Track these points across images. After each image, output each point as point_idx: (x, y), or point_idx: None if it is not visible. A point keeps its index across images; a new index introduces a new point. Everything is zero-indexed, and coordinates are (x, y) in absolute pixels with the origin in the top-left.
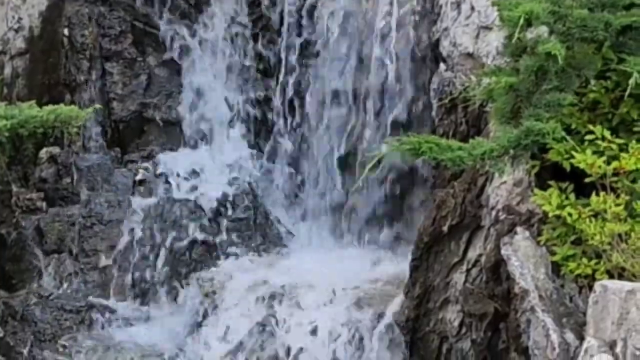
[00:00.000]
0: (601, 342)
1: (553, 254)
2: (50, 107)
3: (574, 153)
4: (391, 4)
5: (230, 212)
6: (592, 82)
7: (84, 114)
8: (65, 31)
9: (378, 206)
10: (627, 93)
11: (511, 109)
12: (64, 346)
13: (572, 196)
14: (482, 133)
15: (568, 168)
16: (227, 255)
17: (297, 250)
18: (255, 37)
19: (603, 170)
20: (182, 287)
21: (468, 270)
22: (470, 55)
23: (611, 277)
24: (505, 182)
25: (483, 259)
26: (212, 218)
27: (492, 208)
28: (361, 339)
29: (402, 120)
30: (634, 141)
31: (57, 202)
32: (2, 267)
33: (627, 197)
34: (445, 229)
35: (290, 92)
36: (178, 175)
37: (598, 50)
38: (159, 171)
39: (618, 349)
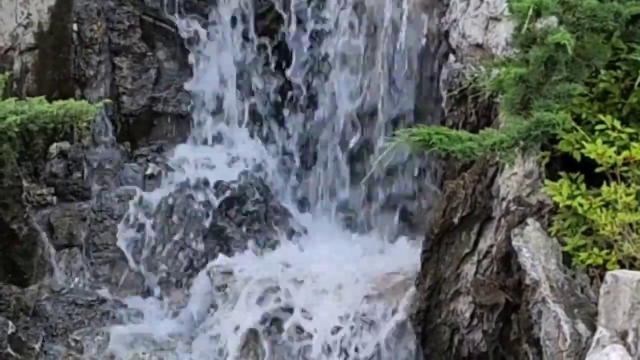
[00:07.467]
0: (613, 332)
1: (564, 244)
2: (60, 102)
3: (584, 143)
4: None
5: (240, 205)
6: (602, 72)
7: (93, 108)
8: (75, 26)
9: (389, 197)
10: (637, 83)
11: (521, 99)
12: (76, 340)
13: (582, 186)
14: (492, 124)
15: (578, 158)
16: (238, 248)
17: (307, 243)
18: (264, 32)
19: (613, 160)
20: (194, 280)
21: (479, 262)
22: (479, 46)
23: (622, 267)
24: (515, 173)
25: (494, 250)
26: (222, 211)
27: (503, 199)
28: (372, 330)
29: (411, 111)
30: None
31: (67, 197)
32: (13, 262)
33: (638, 187)
34: (455, 220)
35: (301, 86)
36: (188, 169)
37: (608, 40)
38: (169, 165)
39: (630, 339)
